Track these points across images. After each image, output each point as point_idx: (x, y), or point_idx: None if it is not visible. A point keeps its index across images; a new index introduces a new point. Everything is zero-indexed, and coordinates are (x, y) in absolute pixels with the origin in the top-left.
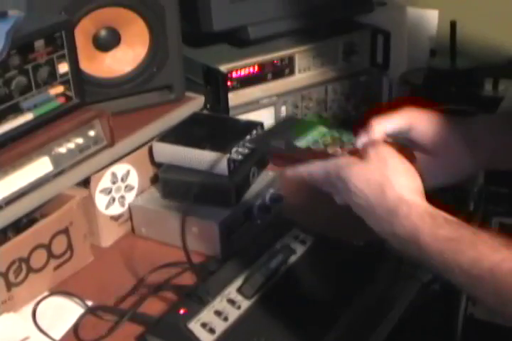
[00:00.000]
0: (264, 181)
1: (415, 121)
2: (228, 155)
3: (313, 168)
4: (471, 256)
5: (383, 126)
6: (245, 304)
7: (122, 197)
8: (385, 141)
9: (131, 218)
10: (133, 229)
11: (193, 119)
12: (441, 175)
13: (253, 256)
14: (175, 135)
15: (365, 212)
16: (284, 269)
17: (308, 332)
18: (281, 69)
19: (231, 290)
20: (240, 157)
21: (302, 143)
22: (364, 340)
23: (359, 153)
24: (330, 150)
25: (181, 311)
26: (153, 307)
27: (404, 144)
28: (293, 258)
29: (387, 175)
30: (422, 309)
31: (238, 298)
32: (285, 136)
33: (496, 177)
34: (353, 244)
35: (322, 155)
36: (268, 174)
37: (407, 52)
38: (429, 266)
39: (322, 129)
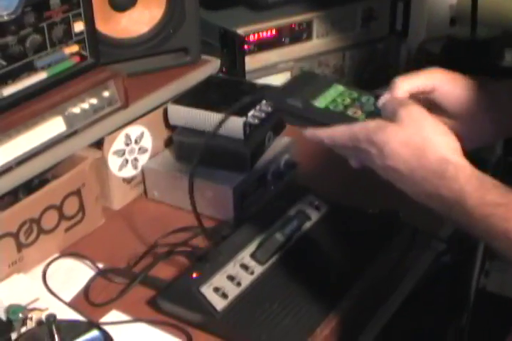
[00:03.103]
0: (279, 147)
1: (440, 81)
2: (245, 119)
3: (336, 133)
4: None
5: (407, 84)
6: (258, 269)
7: (135, 159)
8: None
9: (143, 181)
10: (145, 192)
11: (209, 82)
12: (461, 140)
13: (267, 222)
14: (190, 98)
15: (403, 176)
16: (298, 235)
17: (321, 299)
18: (299, 34)
19: (244, 256)
20: (256, 121)
21: (319, 102)
22: (377, 308)
23: (384, 115)
24: (350, 112)
25: (194, 275)
26: (165, 271)
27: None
28: (307, 225)
29: (426, 136)
30: (435, 279)
31: (251, 263)
32: (302, 93)
33: None
34: (367, 211)
35: (343, 117)
36: (283, 140)
37: (427, 21)
38: (471, 230)
39: (340, 88)
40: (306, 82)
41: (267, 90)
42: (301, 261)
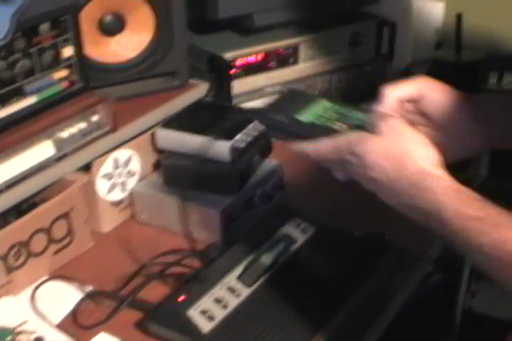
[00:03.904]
0: (266, 170)
1: (427, 90)
2: (231, 143)
3: (320, 145)
4: (494, 238)
5: (396, 92)
6: (245, 292)
7: (124, 182)
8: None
9: (132, 204)
10: (133, 215)
11: (197, 106)
12: (444, 151)
13: (254, 245)
14: (178, 121)
15: (383, 187)
16: (285, 258)
17: (308, 321)
18: (286, 58)
19: (231, 278)
20: (242, 145)
21: (305, 117)
22: (364, 331)
23: (367, 128)
24: (335, 126)
25: (181, 298)
26: (153, 293)
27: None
28: (294, 248)
29: (406, 147)
30: (422, 301)
31: (238, 286)
32: (287, 109)
33: (500, 169)
34: (354, 234)
35: (327, 131)
36: (271, 162)
37: (412, 44)
38: (449, 242)
39: (325, 103)
40: (292, 98)
41: (254, 109)
42: (287, 283)
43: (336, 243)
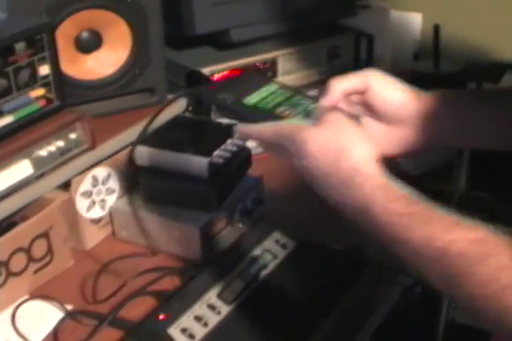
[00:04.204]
0: (246, 184)
1: (375, 83)
2: (209, 159)
3: (264, 128)
4: (422, 235)
5: (342, 84)
6: (225, 309)
7: (103, 200)
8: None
9: (111, 221)
10: (114, 233)
11: (175, 122)
12: (386, 145)
13: (234, 261)
14: (156, 138)
15: (317, 179)
16: (265, 274)
17: (289, 337)
18: (264, 72)
19: (211, 296)
20: (221, 161)
21: (250, 99)
22: None
23: (310, 118)
24: (278, 111)
25: (161, 316)
26: (134, 311)
27: (353, 114)
28: (274, 263)
29: (343, 143)
30: (403, 313)
31: (218, 303)
32: (234, 90)
33: (479, 182)
34: (334, 248)
35: (267, 115)
36: (250, 177)
37: (391, 56)
38: (377, 238)
39: (274, 87)
40: (242, 79)
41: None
42: (267, 299)
43: (316, 257)
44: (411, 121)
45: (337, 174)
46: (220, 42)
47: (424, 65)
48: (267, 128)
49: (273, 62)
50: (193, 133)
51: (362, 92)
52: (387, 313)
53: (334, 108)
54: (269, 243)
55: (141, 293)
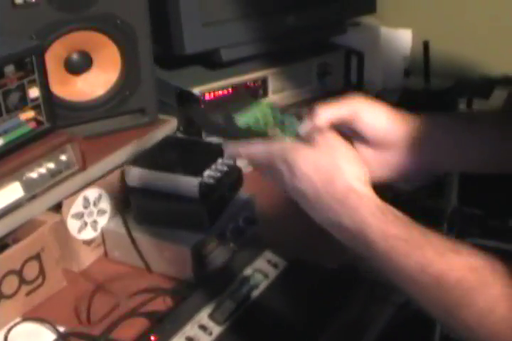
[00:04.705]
0: (237, 204)
1: (360, 109)
2: (200, 179)
3: (254, 149)
4: (418, 261)
5: (328, 113)
6: (217, 330)
7: (95, 221)
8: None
9: (104, 242)
10: (106, 254)
11: (166, 142)
12: (376, 169)
13: (225, 281)
14: (147, 159)
15: (309, 200)
16: (256, 294)
17: None
18: (255, 91)
19: (203, 316)
20: (211, 181)
21: (242, 120)
22: None
23: (303, 138)
24: (270, 132)
25: (152, 338)
26: (126, 333)
27: (344, 133)
28: (265, 283)
29: (336, 162)
30: (397, 331)
31: (210, 323)
32: (226, 111)
33: (470, 198)
34: (326, 267)
35: (261, 136)
36: (242, 197)
37: (381, 73)
38: (373, 262)
39: (265, 109)
40: (234, 101)
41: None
42: (259, 320)
43: (308, 276)
44: (400, 145)
45: (332, 193)
46: (211, 62)
47: (414, 81)
48: (257, 148)
49: (263, 81)
50: (184, 153)
51: (348, 123)
52: (381, 331)
53: (323, 127)
54: (260, 263)
55: (133, 314)
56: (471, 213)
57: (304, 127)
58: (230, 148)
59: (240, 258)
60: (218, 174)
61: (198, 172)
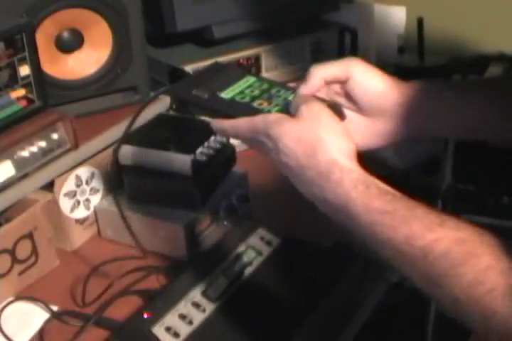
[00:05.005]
0: (230, 182)
1: (356, 72)
2: (192, 157)
3: (238, 124)
4: (404, 233)
5: (323, 72)
6: (210, 307)
7: (87, 200)
8: (316, 97)
9: (96, 221)
10: (99, 232)
11: (158, 121)
12: (368, 137)
13: (218, 259)
14: (139, 137)
15: (294, 174)
16: (250, 271)
17: (274, 334)
18: (248, 69)
19: (196, 294)
20: (204, 158)
21: (227, 93)
22: (329, 338)
23: (287, 110)
24: (256, 104)
25: (145, 315)
26: (120, 311)
27: (335, 102)
28: (259, 260)
29: (320, 135)
30: (391, 309)
31: (203, 301)
32: (209, 84)
33: (464, 174)
34: (319, 244)
35: (247, 109)
36: (235, 174)
37: (375, 50)
38: (358, 236)
39: (251, 79)
40: (215, 73)
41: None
42: (252, 296)
43: (302, 254)
44: (392, 110)
45: (315, 166)
46: (203, 39)
47: (408, 59)
48: (242, 123)
49: (256, 58)
50: (176, 131)
51: (343, 81)
52: (375, 309)
53: (313, 96)
54: (253, 240)
55: (126, 292)
56: (465, 190)
57: (299, 89)
58: (216, 125)
59: (233, 236)
60: (211, 151)
61: (190, 149)
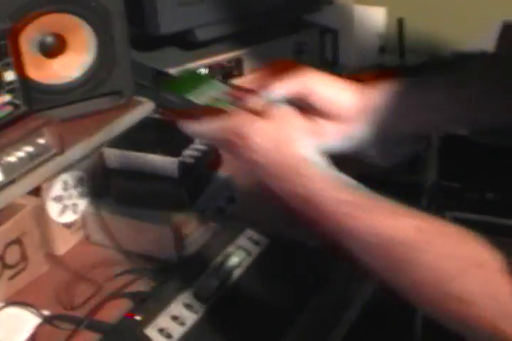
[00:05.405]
0: (217, 183)
1: (314, 84)
2: (179, 159)
3: (208, 125)
4: (367, 223)
5: (282, 91)
6: (201, 308)
7: (75, 204)
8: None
9: (84, 225)
10: (87, 237)
11: (144, 124)
12: (340, 142)
13: (207, 260)
14: (125, 140)
15: (264, 171)
16: (239, 272)
17: (265, 334)
18: (230, 71)
19: (187, 295)
20: (190, 160)
21: (195, 97)
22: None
23: (258, 112)
24: (224, 106)
25: (137, 317)
26: (111, 314)
27: (301, 107)
28: (248, 260)
29: (289, 133)
30: (379, 309)
31: (194, 302)
32: (180, 89)
33: (449, 171)
34: (307, 244)
35: (216, 111)
36: (222, 176)
37: (356, 50)
38: (325, 227)
39: (216, 83)
40: (187, 79)
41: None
42: (243, 297)
43: (290, 254)
44: (357, 116)
45: (284, 162)
46: (186, 42)
47: (389, 58)
48: (211, 124)
49: (238, 61)
50: (162, 133)
51: (303, 97)
52: (362, 309)
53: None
54: (242, 240)
55: (117, 295)
56: (449, 187)
57: (256, 100)
58: (186, 127)
59: (222, 237)
60: (196, 153)
61: (176, 152)
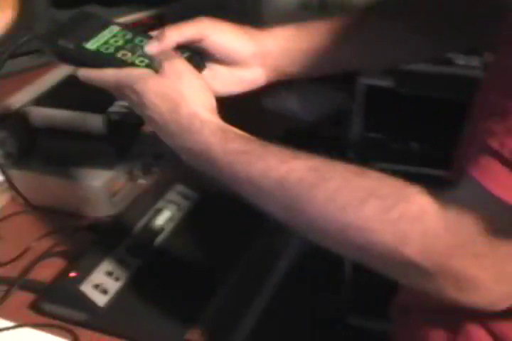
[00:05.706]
0: (145, 140)
1: (208, 30)
2: (105, 116)
3: (104, 75)
4: (260, 168)
5: (176, 36)
6: (135, 263)
7: (1, 164)
8: (176, 48)
9: (11, 186)
10: (15, 198)
11: (69, 82)
12: (229, 83)
13: (138, 215)
14: (50, 99)
15: (159, 127)
16: (171, 226)
17: (200, 288)
18: (152, 29)
19: (120, 251)
20: (117, 117)
21: (92, 43)
22: (252, 294)
23: (152, 64)
24: (120, 54)
25: (72, 274)
26: (44, 273)
27: (192, 54)
28: (178, 215)
29: (182, 91)
30: (309, 260)
31: (127, 257)
32: (75, 34)
33: (374, 123)
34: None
35: (111, 59)
36: (149, 132)
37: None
38: (220, 179)
39: (115, 29)
40: (82, 22)
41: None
42: (175, 251)
43: (221, 207)
44: (248, 60)
45: (177, 120)
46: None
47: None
48: (108, 75)
49: (161, 17)
50: (87, 91)
51: (197, 42)
52: (293, 259)
53: (171, 54)
54: (171, 195)
55: (48, 254)
56: (374, 138)
57: (150, 47)
58: (82, 75)
59: (151, 193)
60: (124, 110)
61: (102, 108)
